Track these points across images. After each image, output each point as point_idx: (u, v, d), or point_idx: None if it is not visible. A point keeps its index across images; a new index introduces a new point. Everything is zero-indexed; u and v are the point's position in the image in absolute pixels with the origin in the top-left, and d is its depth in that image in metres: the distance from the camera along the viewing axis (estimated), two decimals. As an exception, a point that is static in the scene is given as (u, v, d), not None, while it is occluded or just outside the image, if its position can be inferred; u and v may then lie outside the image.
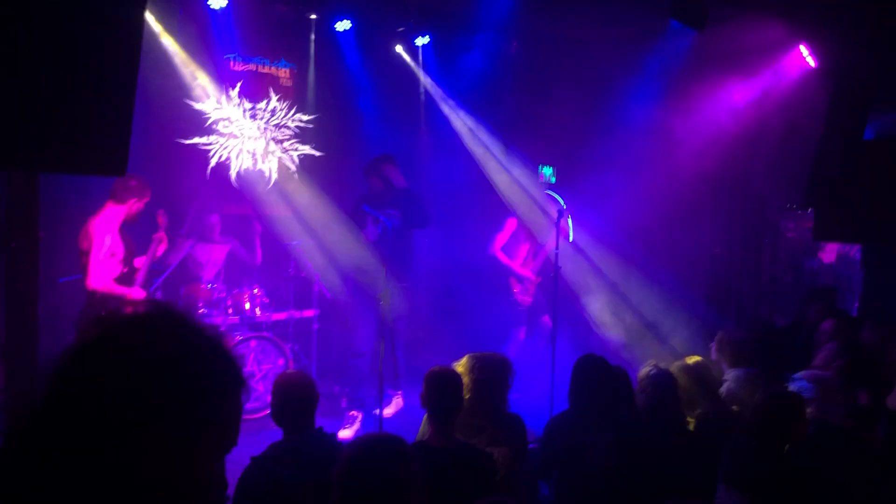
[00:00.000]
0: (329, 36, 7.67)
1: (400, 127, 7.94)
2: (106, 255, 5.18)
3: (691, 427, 4.04)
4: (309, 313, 6.91)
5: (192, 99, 7.00)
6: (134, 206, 5.34)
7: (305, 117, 7.80)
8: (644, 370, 4.15)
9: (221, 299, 6.38)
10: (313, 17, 7.55)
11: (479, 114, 8.23)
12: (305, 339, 6.94)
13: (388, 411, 6.20)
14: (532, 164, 7.35)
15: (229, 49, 7.23)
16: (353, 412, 6.18)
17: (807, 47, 7.11)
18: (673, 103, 7.77)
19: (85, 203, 5.70)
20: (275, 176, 7.64)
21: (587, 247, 7.59)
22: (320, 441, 3.20)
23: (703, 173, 7.76)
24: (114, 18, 3.07)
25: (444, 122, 8.30)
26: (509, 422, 3.71)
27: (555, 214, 6.09)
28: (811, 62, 7.20)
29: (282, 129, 7.69)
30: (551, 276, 5.92)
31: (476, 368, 3.62)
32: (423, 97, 8.40)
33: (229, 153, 7.38)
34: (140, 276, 5.50)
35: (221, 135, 7.29)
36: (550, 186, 6.82)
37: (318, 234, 6.94)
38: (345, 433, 5.93)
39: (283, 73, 7.70)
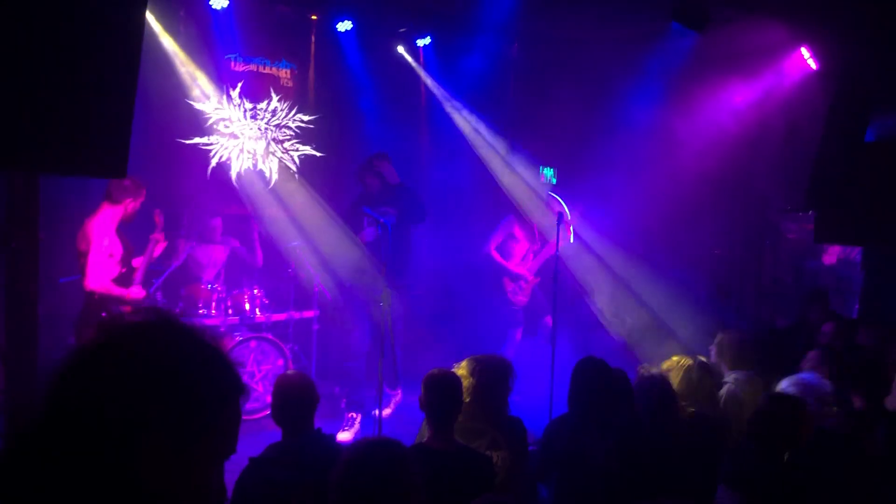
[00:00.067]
0: (330, 36, 7.67)
1: (401, 128, 7.93)
2: (104, 256, 5.18)
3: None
4: (309, 314, 6.91)
5: (192, 99, 7.00)
6: (129, 206, 5.33)
7: (306, 118, 7.80)
8: (643, 371, 4.15)
9: (221, 300, 6.38)
10: (314, 17, 7.55)
11: (481, 114, 8.23)
12: (305, 340, 6.94)
13: (387, 411, 6.20)
14: (533, 164, 7.35)
15: (230, 49, 7.23)
16: (351, 413, 6.18)
17: (808, 50, 7.10)
18: (674, 104, 7.77)
19: (85, 203, 5.69)
20: (275, 176, 7.64)
21: (589, 247, 7.59)
22: (319, 443, 3.20)
23: (705, 174, 7.75)
24: (114, 19, 3.06)
25: (445, 122, 8.29)
26: (510, 425, 3.69)
27: (556, 216, 6.08)
28: (812, 64, 7.19)
29: (282, 130, 7.69)
30: (551, 276, 5.91)
31: (477, 371, 3.61)
32: (423, 98, 8.40)
33: (230, 153, 7.38)
34: (138, 276, 5.50)
35: (222, 135, 7.29)
36: (552, 187, 6.81)
37: (318, 235, 6.94)
38: (343, 435, 5.93)
39: (284, 73, 7.70)
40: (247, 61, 7.41)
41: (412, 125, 8.39)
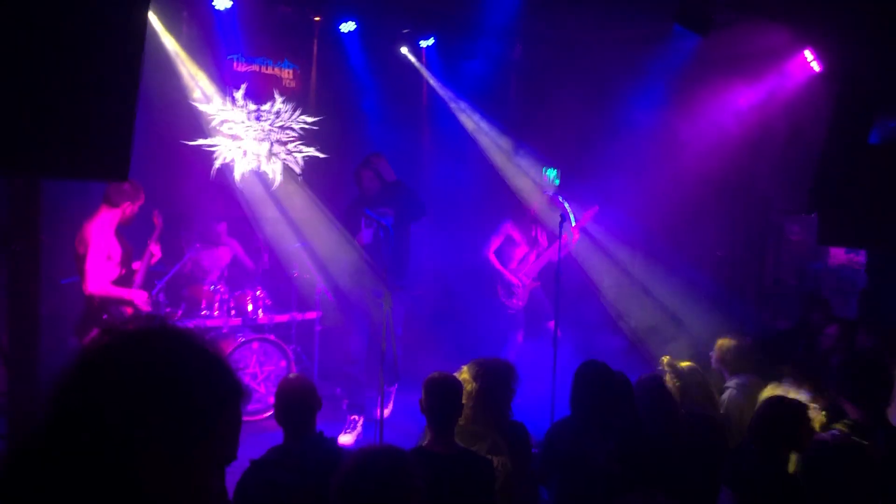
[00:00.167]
0: (333, 37, 7.67)
1: (402, 129, 7.93)
2: (102, 259, 5.17)
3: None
4: (311, 315, 6.91)
5: (195, 101, 7.00)
6: (128, 210, 5.32)
7: (310, 119, 7.80)
8: (645, 374, 4.15)
9: (224, 301, 6.38)
10: (317, 18, 7.55)
11: (484, 115, 8.23)
12: (307, 341, 6.94)
13: (387, 411, 6.18)
14: (537, 165, 7.34)
15: (233, 50, 7.24)
16: (353, 416, 6.17)
17: (812, 52, 7.08)
18: (677, 106, 7.76)
19: (86, 204, 5.70)
20: (279, 178, 7.64)
21: (594, 247, 7.60)
22: (321, 446, 3.20)
23: (707, 176, 7.75)
24: (116, 20, 3.04)
25: (447, 123, 8.29)
26: (512, 430, 3.68)
27: (559, 218, 6.06)
28: (816, 67, 7.17)
29: (286, 131, 7.69)
30: (554, 279, 5.89)
31: (479, 375, 3.60)
32: (425, 99, 8.40)
33: (233, 155, 7.38)
34: (138, 279, 5.50)
35: (226, 136, 7.29)
36: (556, 189, 6.79)
37: (321, 236, 6.93)
38: (345, 438, 5.92)
39: (287, 73, 7.70)
40: (249, 61, 7.42)
41: (414, 126, 8.39)
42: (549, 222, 6.76)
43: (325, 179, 7.77)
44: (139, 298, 5.34)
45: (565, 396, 3.99)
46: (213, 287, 6.38)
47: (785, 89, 7.43)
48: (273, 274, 7.05)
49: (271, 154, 7.61)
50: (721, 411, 4.43)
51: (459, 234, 7.69)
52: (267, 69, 7.56)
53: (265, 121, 7.53)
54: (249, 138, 7.45)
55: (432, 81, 8.27)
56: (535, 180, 7.26)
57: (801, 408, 3.41)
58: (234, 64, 7.30)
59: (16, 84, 2.74)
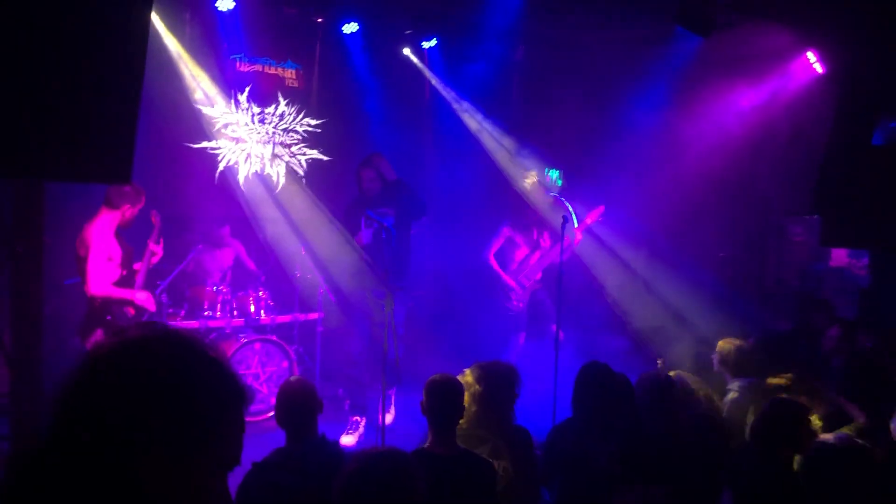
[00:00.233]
0: (335, 38, 7.68)
1: (405, 130, 7.93)
2: (103, 260, 5.17)
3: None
4: (313, 316, 6.91)
5: (199, 103, 7.01)
6: (128, 212, 5.33)
7: (314, 122, 7.80)
8: (645, 375, 4.14)
9: (226, 302, 6.38)
10: (320, 20, 7.55)
11: (487, 115, 8.23)
12: (310, 342, 6.94)
13: (389, 417, 6.16)
14: (539, 167, 7.33)
15: (236, 51, 7.25)
16: (355, 417, 6.16)
17: (814, 54, 7.07)
18: (679, 107, 7.76)
19: (89, 206, 5.71)
20: (282, 180, 7.64)
21: (599, 247, 7.60)
22: (323, 448, 3.20)
23: (709, 177, 7.75)
24: (119, 20, 3.03)
25: (450, 124, 8.29)
26: (514, 434, 3.66)
27: (561, 219, 6.05)
28: (819, 68, 7.16)
29: (290, 134, 7.70)
30: (556, 281, 5.88)
31: (483, 379, 3.59)
32: (428, 100, 8.40)
33: (237, 158, 7.39)
34: (139, 279, 5.51)
35: (229, 139, 7.30)
36: (559, 190, 6.79)
37: (322, 237, 6.93)
38: (347, 439, 5.92)
39: (290, 73, 7.70)
40: (252, 62, 7.42)
41: (416, 127, 8.39)
42: (551, 223, 6.76)
43: (327, 181, 7.77)
44: (142, 299, 5.35)
45: (567, 398, 3.99)
46: (215, 288, 6.39)
47: (787, 90, 7.43)
48: (275, 275, 7.05)
49: (275, 156, 7.62)
50: (723, 414, 4.43)
51: (461, 235, 7.69)
52: (270, 69, 7.57)
53: (269, 123, 7.53)
54: (253, 141, 7.45)
55: (435, 82, 8.27)
56: (537, 181, 7.25)
57: (801, 408, 3.42)
58: (238, 64, 7.31)
59: (17, 85, 2.73)
